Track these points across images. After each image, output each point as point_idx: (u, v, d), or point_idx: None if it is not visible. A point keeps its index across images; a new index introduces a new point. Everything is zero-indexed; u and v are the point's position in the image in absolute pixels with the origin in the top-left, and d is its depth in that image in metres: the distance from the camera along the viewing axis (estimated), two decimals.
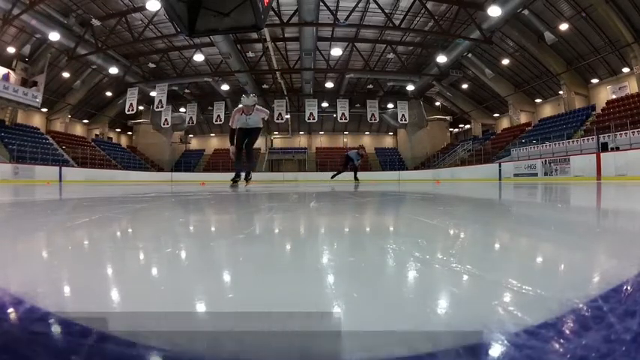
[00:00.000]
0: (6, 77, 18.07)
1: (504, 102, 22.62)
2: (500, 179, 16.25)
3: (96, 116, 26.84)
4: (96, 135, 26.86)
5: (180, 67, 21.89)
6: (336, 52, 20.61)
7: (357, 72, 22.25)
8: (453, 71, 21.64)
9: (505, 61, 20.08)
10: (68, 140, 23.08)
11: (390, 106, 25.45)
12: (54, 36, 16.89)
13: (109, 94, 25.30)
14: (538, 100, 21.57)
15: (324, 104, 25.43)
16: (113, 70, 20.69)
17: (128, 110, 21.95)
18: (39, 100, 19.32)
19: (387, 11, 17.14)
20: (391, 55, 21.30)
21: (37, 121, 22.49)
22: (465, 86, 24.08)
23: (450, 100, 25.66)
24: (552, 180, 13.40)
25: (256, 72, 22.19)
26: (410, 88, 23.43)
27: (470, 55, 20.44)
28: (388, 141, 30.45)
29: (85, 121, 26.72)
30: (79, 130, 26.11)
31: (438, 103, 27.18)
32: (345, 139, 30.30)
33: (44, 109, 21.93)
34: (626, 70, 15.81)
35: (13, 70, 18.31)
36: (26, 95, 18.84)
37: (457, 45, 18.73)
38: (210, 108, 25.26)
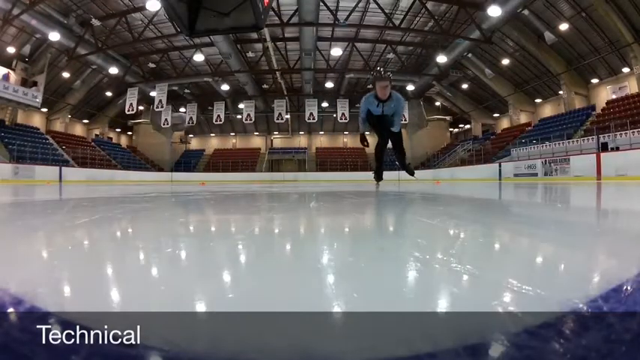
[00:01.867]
0: (6, 77, 18.06)
1: (504, 102, 22.61)
2: (500, 179, 16.24)
3: (96, 116, 26.84)
4: (96, 135, 26.85)
5: (180, 67, 21.89)
6: (336, 52, 20.61)
7: (357, 72, 22.25)
8: (453, 71, 21.65)
9: (505, 61, 20.07)
10: (68, 140, 23.07)
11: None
12: (54, 36, 16.87)
13: (109, 94, 25.29)
14: (538, 100, 21.56)
15: (324, 104, 25.45)
16: (113, 70, 20.69)
17: (128, 110, 21.94)
18: (39, 100, 19.32)
19: (387, 11, 17.12)
20: (391, 55, 21.31)
21: (37, 121, 22.48)
22: (465, 86, 24.06)
23: (450, 100, 25.65)
24: (552, 180, 13.40)
25: (256, 72, 22.18)
26: (410, 88, 23.43)
27: (470, 55, 20.44)
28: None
29: (85, 121, 26.71)
30: (79, 130, 26.10)
31: (438, 103, 27.16)
32: (345, 139, 30.35)
33: (44, 109, 21.91)
34: (626, 70, 15.79)
35: (13, 70, 18.31)
36: (26, 95, 18.84)
37: (457, 45, 18.72)
38: (210, 108, 25.23)
